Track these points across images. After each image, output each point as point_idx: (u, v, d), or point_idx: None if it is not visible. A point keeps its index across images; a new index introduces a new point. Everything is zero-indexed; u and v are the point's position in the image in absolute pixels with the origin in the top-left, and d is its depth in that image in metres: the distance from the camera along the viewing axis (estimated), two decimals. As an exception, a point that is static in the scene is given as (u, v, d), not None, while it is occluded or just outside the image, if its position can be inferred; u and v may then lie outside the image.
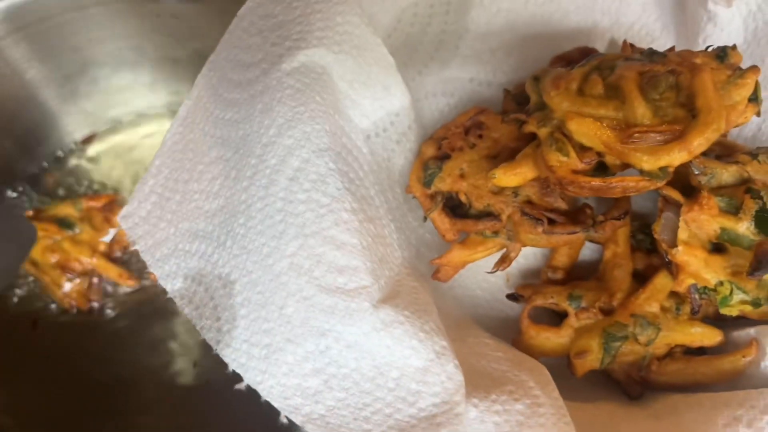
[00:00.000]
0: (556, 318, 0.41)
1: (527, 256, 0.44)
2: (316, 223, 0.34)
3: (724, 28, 0.43)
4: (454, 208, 0.41)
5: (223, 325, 0.35)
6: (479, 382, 0.35)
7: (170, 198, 0.39)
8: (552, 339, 0.39)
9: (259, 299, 0.34)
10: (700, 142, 0.33)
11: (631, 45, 0.41)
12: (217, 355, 0.35)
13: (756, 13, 0.42)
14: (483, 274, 0.43)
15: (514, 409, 0.34)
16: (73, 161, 0.59)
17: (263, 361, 0.34)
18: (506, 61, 0.45)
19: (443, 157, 0.41)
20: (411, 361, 0.34)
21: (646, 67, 0.35)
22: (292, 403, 0.33)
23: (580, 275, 0.42)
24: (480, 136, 0.41)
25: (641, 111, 0.34)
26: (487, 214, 0.40)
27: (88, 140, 0.58)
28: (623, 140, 0.34)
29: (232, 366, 0.34)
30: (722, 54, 0.37)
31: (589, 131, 0.35)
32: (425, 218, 0.43)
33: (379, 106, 0.40)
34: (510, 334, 0.41)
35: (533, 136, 0.39)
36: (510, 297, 0.42)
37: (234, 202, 0.36)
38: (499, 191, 0.40)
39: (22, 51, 0.48)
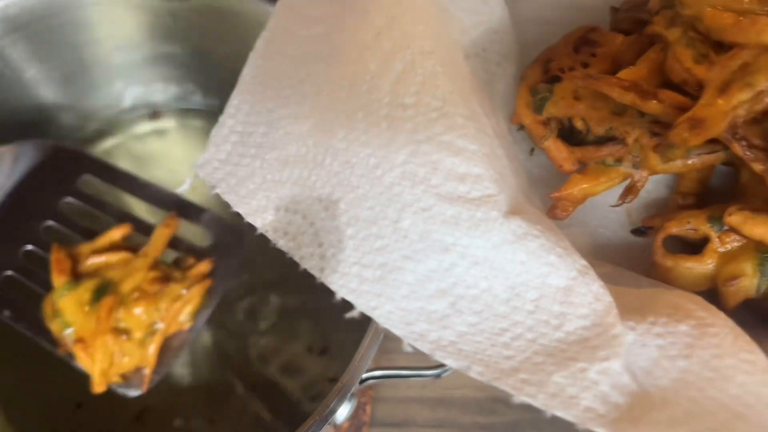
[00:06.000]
0: (691, 251, 0.36)
1: (648, 189, 0.39)
2: (429, 127, 0.30)
3: None
4: (567, 137, 0.37)
5: (326, 250, 0.30)
6: (630, 307, 0.30)
7: (253, 132, 0.35)
8: (694, 269, 0.34)
9: (369, 215, 0.30)
10: None
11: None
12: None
13: None
14: (603, 209, 0.38)
15: (678, 331, 0.28)
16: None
17: (378, 283, 0.29)
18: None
19: (553, 80, 0.37)
20: (551, 279, 0.29)
21: None
22: (417, 329, 0.28)
23: (712, 202, 0.37)
24: (593, 55, 0.37)
25: None
26: (610, 139, 0.36)
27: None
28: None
29: (341, 293, 0.29)
30: None
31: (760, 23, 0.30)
32: (532, 150, 0.39)
33: (477, 21, 0.37)
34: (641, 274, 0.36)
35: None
36: (635, 232, 0.37)
37: (330, 117, 0.32)
38: (623, 111, 0.35)
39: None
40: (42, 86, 0.50)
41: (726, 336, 0.28)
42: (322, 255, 0.30)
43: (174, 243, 0.37)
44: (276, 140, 0.34)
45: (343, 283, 0.29)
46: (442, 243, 0.29)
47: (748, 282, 0.33)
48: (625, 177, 0.36)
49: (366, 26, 0.32)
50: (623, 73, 0.34)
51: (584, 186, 0.36)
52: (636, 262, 0.37)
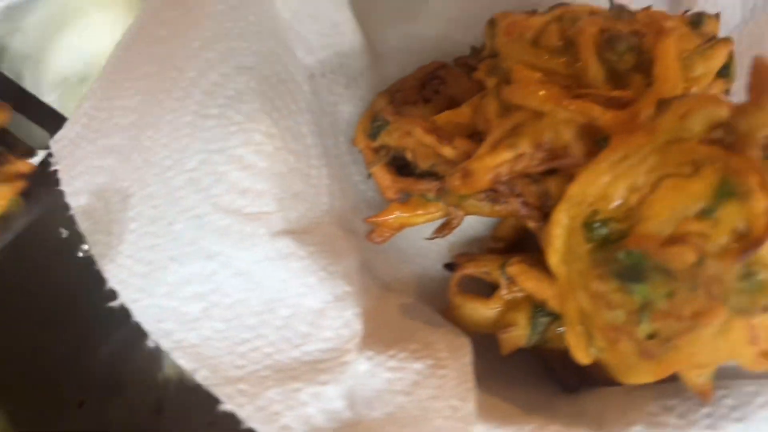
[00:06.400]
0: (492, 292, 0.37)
1: (476, 227, 0.40)
2: (224, 140, 0.31)
3: (719, 1, 0.40)
4: (401, 168, 0.38)
5: (112, 239, 0.32)
6: (382, 338, 0.31)
7: (96, 117, 0.37)
8: (479, 310, 0.35)
9: (152, 214, 0.31)
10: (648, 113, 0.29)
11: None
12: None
13: None
14: (424, 240, 0.40)
15: (411, 368, 0.30)
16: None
17: (144, 278, 0.31)
18: (476, 19, 0.42)
19: (394, 111, 0.38)
20: (305, 300, 0.30)
21: (608, 24, 0.32)
22: (164, 327, 0.30)
23: (529, 249, 0.38)
24: (437, 92, 0.38)
25: (593, 71, 0.31)
26: (431, 174, 0.37)
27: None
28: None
29: (111, 282, 0.31)
30: (697, 20, 0.34)
31: (529, 87, 0.31)
32: (369, 174, 0.40)
33: (326, 43, 0.38)
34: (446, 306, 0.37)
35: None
36: (447, 266, 0.39)
37: (146, 115, 0.34)
38: None
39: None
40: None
41: (450, 380, 0.29)
42: (107, 243, 0.32)
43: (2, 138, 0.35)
44: (107, 129, 0.36)
45: (115, 273, 0.31)
46: (208, 251, 0.30)
47: (520, 332, 0.34)
48: (446, 213, 0.37)
49: (196, 35, 0.34)
50: (445, 115, 0.35)
51: (401, 215, 0.37)
52: (446, 296, 0.38)
